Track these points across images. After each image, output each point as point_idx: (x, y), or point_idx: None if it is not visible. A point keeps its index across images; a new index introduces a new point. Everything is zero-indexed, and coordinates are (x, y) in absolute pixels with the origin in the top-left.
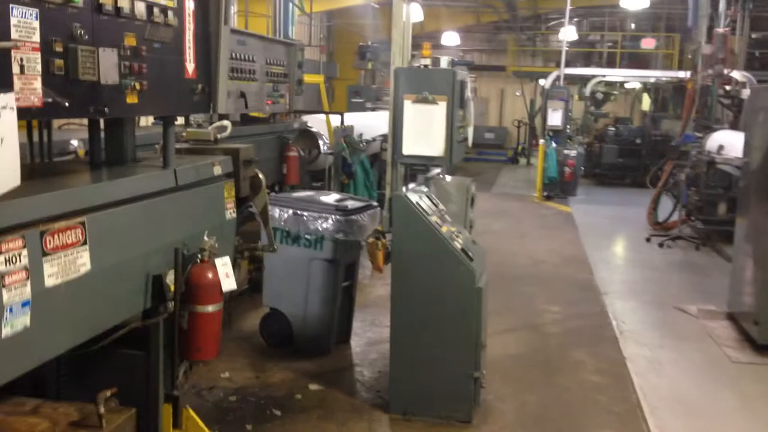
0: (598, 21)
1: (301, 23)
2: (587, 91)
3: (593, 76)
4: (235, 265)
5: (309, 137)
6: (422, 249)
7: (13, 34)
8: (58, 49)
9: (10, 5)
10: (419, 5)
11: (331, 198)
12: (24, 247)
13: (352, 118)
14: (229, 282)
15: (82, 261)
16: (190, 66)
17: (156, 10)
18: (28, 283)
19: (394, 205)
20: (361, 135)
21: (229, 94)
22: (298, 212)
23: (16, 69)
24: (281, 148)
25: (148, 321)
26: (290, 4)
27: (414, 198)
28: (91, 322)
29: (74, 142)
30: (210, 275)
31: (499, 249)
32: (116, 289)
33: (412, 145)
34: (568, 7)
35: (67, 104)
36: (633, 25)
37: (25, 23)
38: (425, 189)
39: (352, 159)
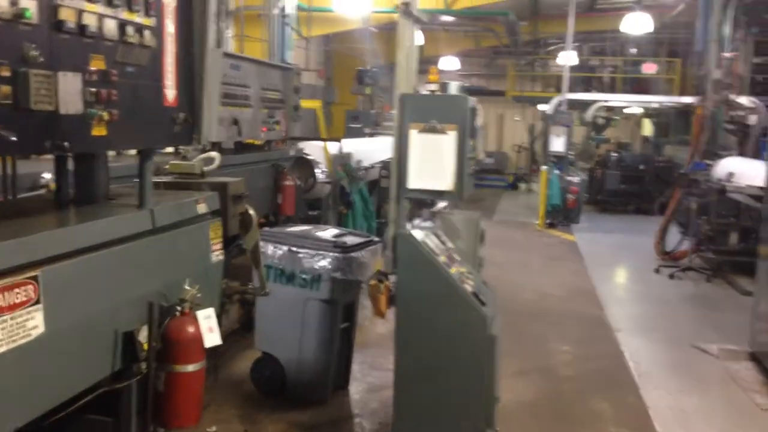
0: (597, 46)
1: (298, 47)
2: (588, 116)
3: (595, 101)
4: (223, 310)
5: (305, 165)
6: (429, 292)
7: None
8: (4, 73)
9: None
10: (419, 30)
11: (328, 233)
12: None
13: (350, 144)
14: (212, 337)
15: (34, 323)
16: (170, 92)
17: (129, 29)
18: None
19: (399, 245)
20: (359, 162)
21: (221, 121)
22: (293, 249)
23: None
24: (276, 177)
25: (119, 384)
26: (287, 28)
27: (420, 236)
28: (49, 392)
29: (46, 175)
30: (191, 330)
31: (504, 281)
32: (78, 352)
33: (418, 179)
34: (571, 32)
35: (14, 139)
36: (633, 50)
37: None
38: (431, 225)
39: (350, 188)
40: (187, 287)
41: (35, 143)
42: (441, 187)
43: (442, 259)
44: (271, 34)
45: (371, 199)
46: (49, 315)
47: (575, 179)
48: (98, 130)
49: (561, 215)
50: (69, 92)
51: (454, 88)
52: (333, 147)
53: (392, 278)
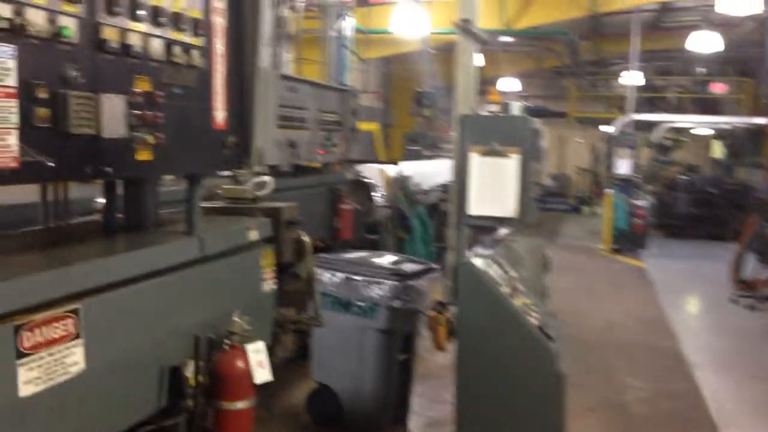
0: (663, 65)
1: (357, 70)
2: (655, 137)
3: (662, 123)
4: (277, 340)
5: (363, 188)
6: (492, 326)
7: None
8: (42, 95)
9: None
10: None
11: (386, 260)
12: None
13: (408, 167)
14: (262, 373)
15: (74, 359)
16: (219, 115)
17: (177, 48)
18: None
19: (460, 275)
20: (418, 185)
21: (277, 143)
22: (350, 276)
23: None
24: (334, 201)
25: (165, 422)
26: (345, 50)
27: (481, 265)
28: None
29: (101, 200)
30: (240, 365)
31: (569, 309)
32: (121, 389)
33: (479, 205)
34: (635, 51)
35: (51, 164)
36: (701, 69)
37: None
38: (493, 253)
39: (409, 212)
40: (236, 319)
41: (75, 169)
42: (503, 213)
43: (505, 289)
44: (328, 56)
45: (430, 223)
46: (90, 350)
47: (642, 203)
48: (143, 155)
49: (627, 240)
50: (112, 115)
51: (516, 108)
52: (391, 170)
53: (452, 309)
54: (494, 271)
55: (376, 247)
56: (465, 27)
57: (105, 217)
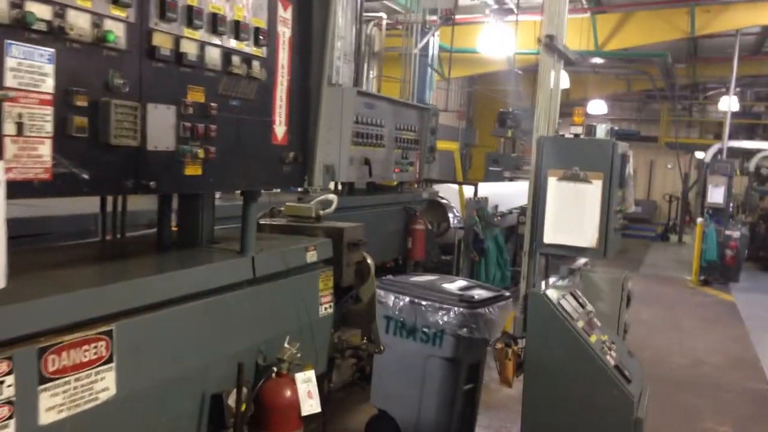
0: (763, 91)
1: (440, 89)
2: (752, 165)
3: (759, 150)
4: (334, 365)
5: (438, 209)
6: (564, 363)
7: (9, 81)
8: (81, 103)
9: (5, 42)
10: (565, 72)
11: (455, 285)
12: (9, 372)
13: (487, 188)
14: (311, 403)
15: (104, 385)
16: (279, 130)
17: (236, 59)
18: (12, 423)
19: (531, 306)
20: (496, 207)
21: (352, 160)
22: (416, 301)
23: (10, 128)
24: (407, 220)
25: None
26: (428, 69)
27: (555, 297)
28: None
29: None
30: (287, 394)
31: (650, 344)
32: (156, 417)
33: (555, 232)
34: (734, 75)
35: (86, 176)
36: None
37: (29, 67)
38: (569, 283)
39: (484, 234)
40: (286, 345)
41: (114, 182)
42: (582, 243)
43: (580, 324)
44: (409, 73)
45: (507, 247)
46: (122, 376)
47: (735, 233)
48: (192, 169)
49: (717, 272)
50: (159, 126)
51: (601, 131)
52: (468, 191)
53: (521, 342)
54: (569, 304)
55: (449, 269)
56: (549, 44)
57: (158, 233)
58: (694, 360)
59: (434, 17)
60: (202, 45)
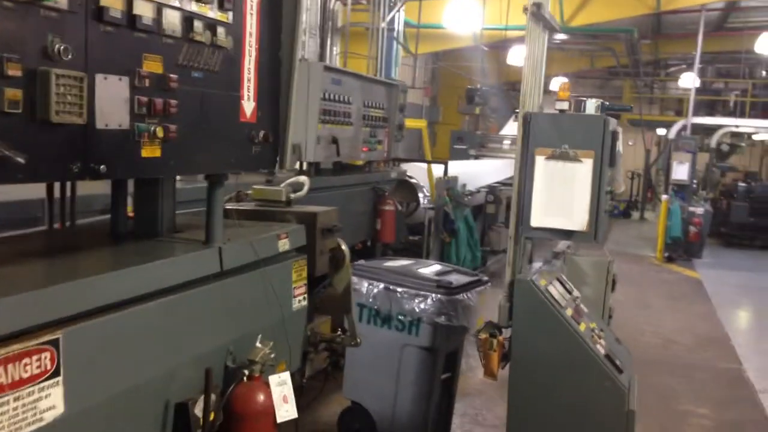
0: (723, 68)
1: (404, 65)
2: (713, 142)
3: (721, 127)
4: (307, 359)
5: (408, 189)
6: (553, 354)
7: None
8: (13, 72)
9: None
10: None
11: (430, 270)
12: None
13: (454, 167)
14: (287, 409)
15: (49, 403)
16: (248, 105)
17: (198, 24)
18: None
19: (517, 293)
20: (464, 186)
21: (319, 139)
22: (391, 287)
23: None
24: (376, 201)
25: None
26: (395, 44)
27: (542, 283)
28: None
29: None
30: (260, 399)
31: (621, 323)
32: None
33: (543, 215)
34: (699, 52)
35: (21, 160)
36: (765, 72)
37: None
38: (554, 269)
39: (455, 214)
40: (258, 345)
41: (56, 167)
42: (572, 226)
43: (568, 312)
44: (377, 49)
45: (476, 227)
46: (71, 390)
47: (699, 210)
48: (149, 151)
49: (681, 249)
50: (109, 100)
51: (591, 107)
52: (438, 169)
53: (506, 332)
54: (556, 291)
55: (418, 250)
56: (536, 12)
57: (112, 221)
58: (665, 339)
59: None
60: (159, 7)
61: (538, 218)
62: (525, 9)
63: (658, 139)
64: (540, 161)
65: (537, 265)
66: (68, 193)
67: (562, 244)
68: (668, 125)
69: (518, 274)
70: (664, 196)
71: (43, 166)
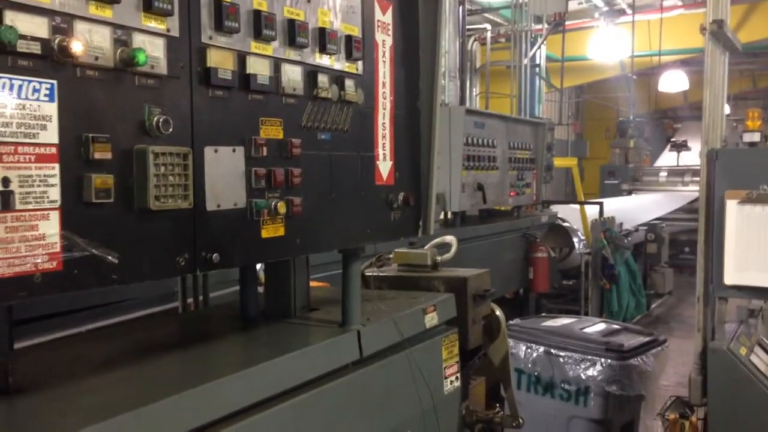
0: None
1: (547, 101)
2: None
3: None
4: None
5: (560, 233)
6: None
7: None
8: (101, 155)
9: None
10: (683, 73)
11: (595, 329)
12: None
13: (609, 205)
14: None
15: None
16: (384, 166)
17: (323, 78)
18: None
19: (712, 366)
20: (620, 225)
21: (463, 187)
22: (552, 351)
23: None
24: (527, 248)
25: None
26: (537, 80)
27: (743, 353)
28: None
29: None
30: None
31: None
32: None
33: (740, 271)
34: None
35: (115, 260)
36: None
37: (18, 108)
38: (753, 331)
39: (614, 258)
40: None
41: (159, 262)
42: None
43: None
44: (519, 87)
45: (638, 270)
46: None
47: None
48: (271, 230)
49: None
50: (221, 177)
51: None
52: (592, 210)
53: (700, 411)
54: (760, 360)
55: (574, 296)
56: (717, 31)
57: (241, 302)
58: None
59: (539, 26)
60: (277, 63)
61: (733, 274)
62: (702, 29)
63: None
64: (732, 206)
65: (731, 327)
66: None
67: (755, 300)
68: None
69: (711, 341)
70: None
71: (143, 263)
